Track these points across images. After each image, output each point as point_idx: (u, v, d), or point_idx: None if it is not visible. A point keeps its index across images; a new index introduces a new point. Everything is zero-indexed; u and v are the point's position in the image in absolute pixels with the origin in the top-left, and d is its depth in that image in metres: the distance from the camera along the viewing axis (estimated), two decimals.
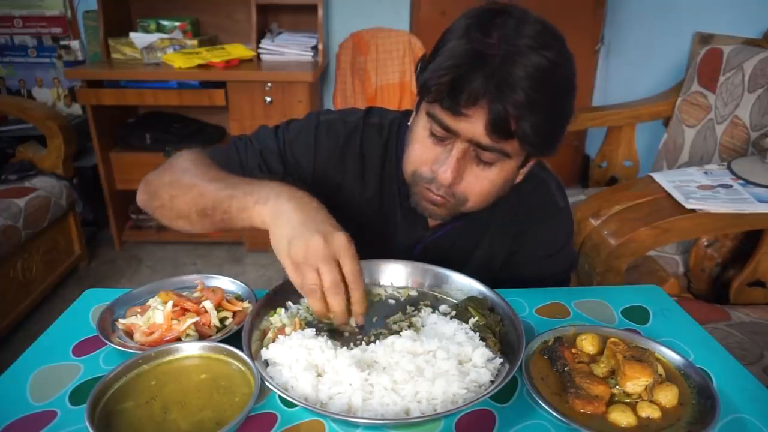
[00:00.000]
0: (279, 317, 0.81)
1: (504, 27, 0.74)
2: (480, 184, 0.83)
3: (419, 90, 0.81)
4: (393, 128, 1.00)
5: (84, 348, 0.78)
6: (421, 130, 0.84)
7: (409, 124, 0.90)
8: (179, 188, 0.85)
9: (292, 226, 0.71)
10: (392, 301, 0.88)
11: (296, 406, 0.66)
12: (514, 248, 1.03)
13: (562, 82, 0.77)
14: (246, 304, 0.84)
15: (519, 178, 0.91)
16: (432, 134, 0.82)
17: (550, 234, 1.02)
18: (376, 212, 1.00)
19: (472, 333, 0.76)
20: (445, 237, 1.01)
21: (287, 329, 0.77)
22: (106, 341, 0.74)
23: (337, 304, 0.70)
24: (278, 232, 0.72)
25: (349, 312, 0.72)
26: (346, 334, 0.79)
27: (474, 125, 0.76)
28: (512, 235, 1.02)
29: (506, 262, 1.04)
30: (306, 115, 1.03)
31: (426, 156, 0.84)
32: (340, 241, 0.70)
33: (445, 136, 0.80)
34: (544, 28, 0.76)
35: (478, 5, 0.79)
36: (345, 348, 0.73)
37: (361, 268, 0.72)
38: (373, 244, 1.00)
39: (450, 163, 0.80)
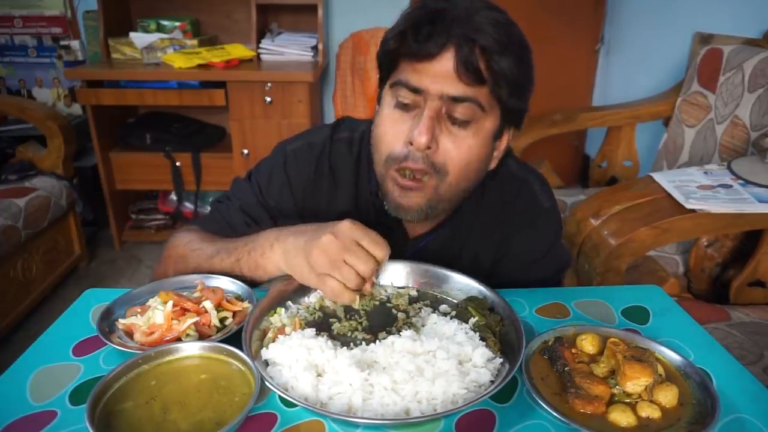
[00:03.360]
0: (279, 317, 0.81)
1: None
2: (458, 148, 0.79)
3: (379, 60, 0.81)
4: (364, 140, 0.97)
5: (84, 348, 0.78)
6: (385, 110, 0.82)
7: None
8: (185, 274, 0.90)
9: (302, 248, 0.76)
10: (390, 305, 0.87)
11: (296, 406, 0.66)
12: (498, 255, 1.00)
13: (522, 41, 0.78)
14: (246, 304, 0.84)
15: (493, 164, 0.89)
16: (398, 105, 0.80)
17: (536, 238, 0.99)
18: None
19: (472, 333, 0.76)
20: (427, 248, 0.98)
21: (287, 329, 0.77)
22: (106, 341, 0.74)
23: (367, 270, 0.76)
24: (295, 262, 0.78)
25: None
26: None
27: (441, 75, 0.75)
28: (497, 242, 0.99)
29: (492, 269, 1.00)
30: (273, 149, 1.02)
31: (396, 131, 0.80)
32: (347, 226, 0.74)
33: (412, 101, 0.78)
34: (495, 6, 0.78)
35: None
36: (345, 348, 0.73)
37: (375, 237, 0.76)
38: None
39: (424, 123, 0.76)
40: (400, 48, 0.77)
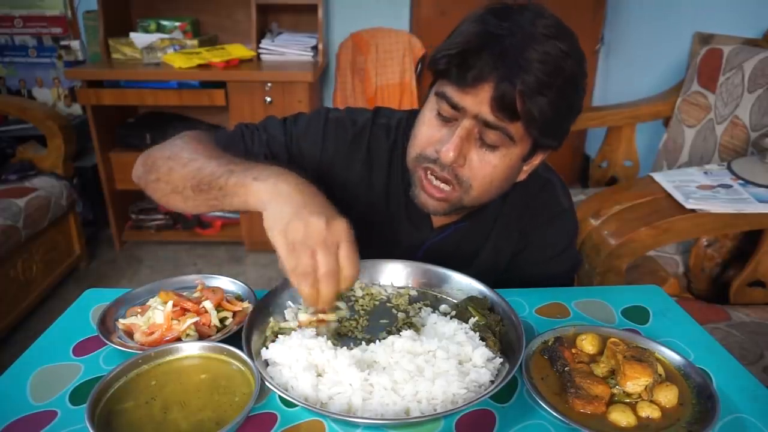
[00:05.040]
0: (291, 317, 0.81)
1: (520, 17, 0.77)
2: (483, 168, 0.82)
3: (429, 67, 0.82)
4: (400, 128, 1.00)
5: (84, 348, 0.78)
6: (428, 112, 0.85)
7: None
8: (178, 161, 0.82)
9: (293, 206, 0.68)
10: (390, 305, 0.87)
11: (296, 406, 0.66)
12: (518, 249, 1.03)
13: (572, 74, 0.77)
14: (246, 304, 0.84)
15: (522, 176, 0.91)
16: (439, 115, 0.83)
17: (555, 235, 1.02)
18: (381, 213, 1.00)
19: (472, 333, 0.76)
20: (450, 238, 1.00)
21: (302, 318, 0.77)
22: (106, 341, 0.74)
23: (329, 292, 0.67)
24: (276, 210, 0.69)
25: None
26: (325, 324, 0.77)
27: (480, 100, 0.76)
28: (517, 236, 1.02)
29: (511, 262, 1.03)
30: (315, 110, 1.03)
31: (432, 137, 0.84)
32: (342, 226, 0.68)
33: (451, 115, 0.81)
34: (559, 23, 0.78)
35: (495, 2, 0.81)
36: (345, 348, 0.73)
37: (358, 257, 0.69)
38: (378, 245, 0.99)
39: (453, 141, 0.79)
40: (447, 70, 0.79)
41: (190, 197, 0.80)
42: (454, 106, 0.79)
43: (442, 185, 0.85)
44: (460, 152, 0.80)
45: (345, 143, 0.98)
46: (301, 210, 0.68)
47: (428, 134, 0.84)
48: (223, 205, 0.77)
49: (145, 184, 0.89)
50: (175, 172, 0.82)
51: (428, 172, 0.85)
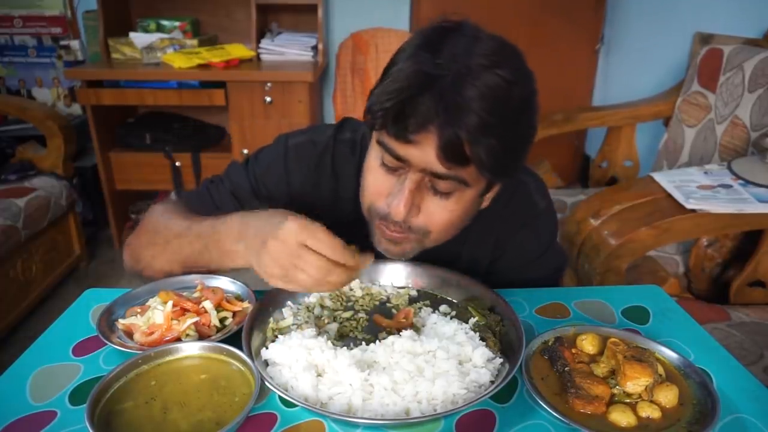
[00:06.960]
0: (290, 318, 0.81)
1: (455, 46, 0.69)
2: (440, 214, 0.78)
3: (366, 121, 0.76)
4: (365, 143, 0.94)
5: (84, 348, 0.78)
6: (373, 160, 0.79)
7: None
8: (155, 247, 0.87)
9: (257, 252, 0.72)
10: (390, 305, 0.87)
11: (296, 406, 0.66)
12: (495, 256, 0.99)
13: (518, 101, 0.70)
14: (246, 304, 0.84)
15: (485, 204, 0.86)
16: (384, 164, 0.77)
17: (532, 238, 0.99)
18: (354, 233, 0.97)
19: (472, 333, 0.76)
20: (425, 254, 0.96)
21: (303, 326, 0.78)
22: (106, 341, 0.74)
23: (336, 281, 0.70)
24: (256, 263, 0.73)
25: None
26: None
27: (425, 152, 0.70)
28: (492, 243, 0.98)
29: (489, 269, 1.00)
30: (275, 140, 1.00)
31: (379, 187, 0.79)
32: (290, 231, 0.69)
33: (396, 165, 0.75)
34: (499, 46, 0.71)
35: (429, 23, 0.74)
36: (345, 348, 0.73)
37: (322, 236, 0.69)
38: None
39: (402, 196, 0.74)
40: (384, 123, 0.71)
41: (185, 271, 0.87)
42: (398, 158, 0.73)
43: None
44: (412, 205, 0.75)
45: (310, 169, 0.96)
46: (263, 247, 0.71)
47: (376, 185, 0.79)
48: (223, 269, 0.84)
49: (139, 273, 0.93)
50: (157, 258, 0.89)
51: (384, 226, 0.81)
